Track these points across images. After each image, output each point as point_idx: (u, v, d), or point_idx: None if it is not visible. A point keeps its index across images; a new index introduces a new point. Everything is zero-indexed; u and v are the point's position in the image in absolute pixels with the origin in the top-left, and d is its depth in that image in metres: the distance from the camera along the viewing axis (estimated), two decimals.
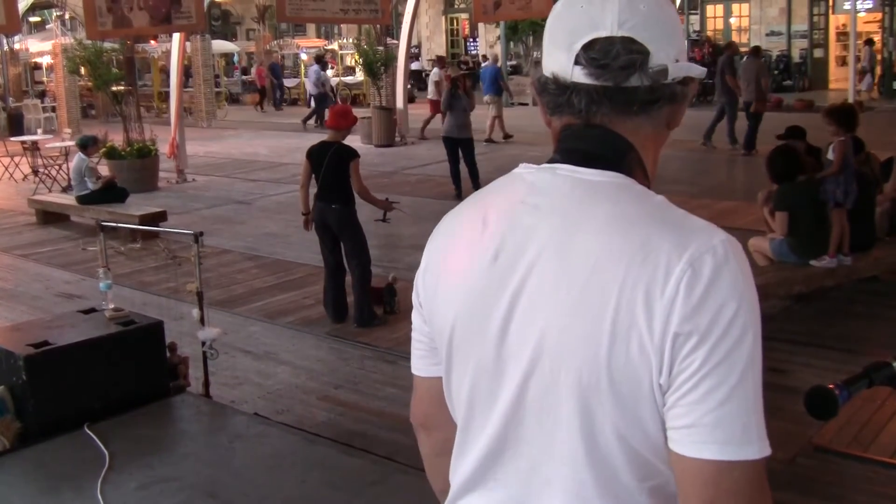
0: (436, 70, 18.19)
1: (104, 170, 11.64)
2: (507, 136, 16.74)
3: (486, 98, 17.06)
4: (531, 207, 1.19)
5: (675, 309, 1.06)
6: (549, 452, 1.17)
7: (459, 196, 11.28)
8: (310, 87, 21.58)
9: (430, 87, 18.05)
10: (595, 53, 1.17)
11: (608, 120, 1.20)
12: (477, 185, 11.21)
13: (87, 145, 10.21)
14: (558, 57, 1.20)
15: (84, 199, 10.05)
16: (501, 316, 1.18)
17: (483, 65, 18.40)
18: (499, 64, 18.09)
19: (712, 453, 1.06)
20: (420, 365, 1.40)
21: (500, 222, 1.22)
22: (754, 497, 1.08)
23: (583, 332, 1.11)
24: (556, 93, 1.21)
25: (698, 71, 1.22)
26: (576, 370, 1.11)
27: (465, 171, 11.36)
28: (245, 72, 31.18)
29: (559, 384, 1.13)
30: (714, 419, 1.06)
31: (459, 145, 11.31)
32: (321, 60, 22.81)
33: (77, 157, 10.20)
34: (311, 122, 20.44)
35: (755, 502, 1.08)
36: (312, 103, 21.38)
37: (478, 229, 1.24)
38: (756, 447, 1.07)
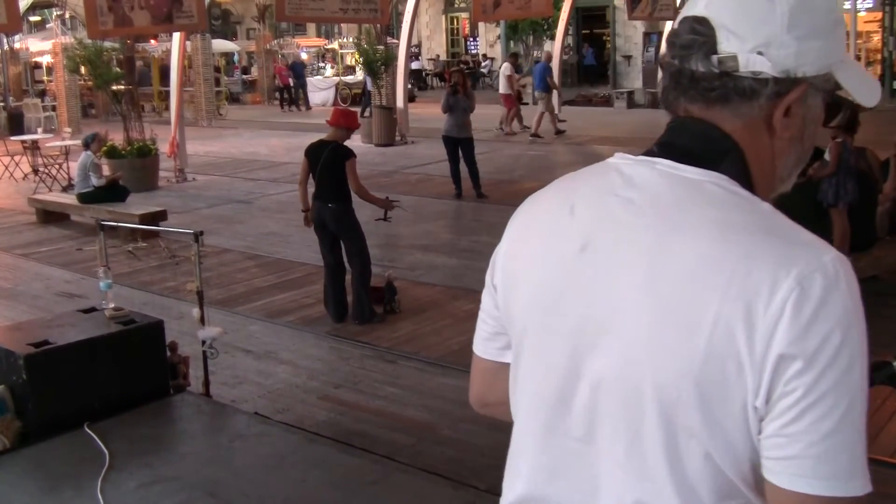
0: (507, 65, 18.19)
1: (106, 170, 11.64)
2: (558, 132, 17.21)
3: (536, 94, 17.84)
4: (625, 202, 1.10)
5: (780, 329, 0.97)
6: (626, 467, 1.08)
7: (460, 196, 11.29)
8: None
9: (502, 82, 18.03)
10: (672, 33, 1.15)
11: (685, 107, 1.14)
12: (477, 185, 11.22)
13: (88, 142, 10.35)
14: None
15: (85, 197, 10.07)
16: (581, 312, 1.10)
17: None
18: (550, 62, 18.26)
19: (815, 489, 0.99)
20: (482, 346, 1.35)
21: (590, 213, 1.13)
22: None
23: (675, 345, 1.02)
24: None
25: (768, 67, 1.07)
26: (664, 384, 1.03)
27: (465, 171, 11.36)
28: (245, 71, 31.17)
29: (643, 396, 1.05)
30: (819, 452, 0.98)
31: (459, 145, 11.31)
32: None
33: (82, 154, 10.26)
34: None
35: None
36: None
37: (564, 217, 1.15)
38: (860, 482, 1.01)
